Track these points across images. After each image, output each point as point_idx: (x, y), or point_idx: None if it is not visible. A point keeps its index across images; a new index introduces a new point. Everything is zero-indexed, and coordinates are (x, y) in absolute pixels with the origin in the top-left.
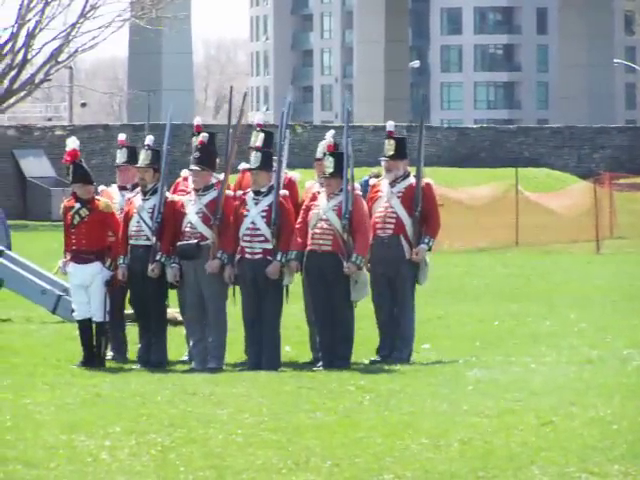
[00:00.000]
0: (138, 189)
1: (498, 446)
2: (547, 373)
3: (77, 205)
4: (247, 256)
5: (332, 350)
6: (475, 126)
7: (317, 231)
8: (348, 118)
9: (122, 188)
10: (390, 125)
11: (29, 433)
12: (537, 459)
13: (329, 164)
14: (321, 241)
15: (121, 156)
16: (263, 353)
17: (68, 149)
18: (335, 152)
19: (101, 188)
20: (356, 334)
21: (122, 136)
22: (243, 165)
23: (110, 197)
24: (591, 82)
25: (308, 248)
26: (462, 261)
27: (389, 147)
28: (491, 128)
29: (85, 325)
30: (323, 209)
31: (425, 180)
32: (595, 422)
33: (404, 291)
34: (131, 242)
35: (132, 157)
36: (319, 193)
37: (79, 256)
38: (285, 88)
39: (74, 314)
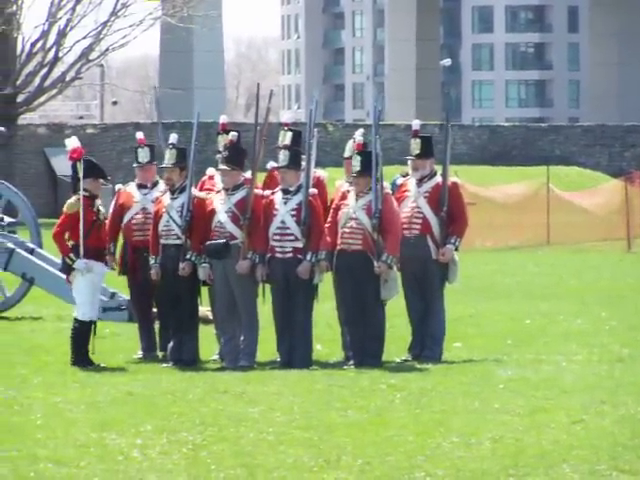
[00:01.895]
0: (158, 187)
1: (529, 444)
2: (578, 371)
3: (98, 202)
4: (277, 255)
5: (363, 348)
6: (507, 124)
7: (347, 230)
8: (377, 116)
9: (142, 186)
10: (416, 124)
11: (60, 431)
12: (568, 457)
13: (356, 163)
14: (351, 240)
15: (144, 155)
16: (294, 352)
17: (71, 147)
18: (362, 151)
19: (118, 187)
20: (387, 332)
21: (141, 134)
22: (271, 164)
23: (130, 196)
24: (622, 80)
25: (338, 247)
26: (493, 259)
27: (415, 146)
28: (522, 126)
29: (92, 326)
30: (353, 208)
31: (452, 179)
32: (626, 420)
33: (432, 291)
34: (161, 241)
35: (152, 155)
36: (349, 192)
37: (102, 254)
38: (316, 86)
39: (90, 315)
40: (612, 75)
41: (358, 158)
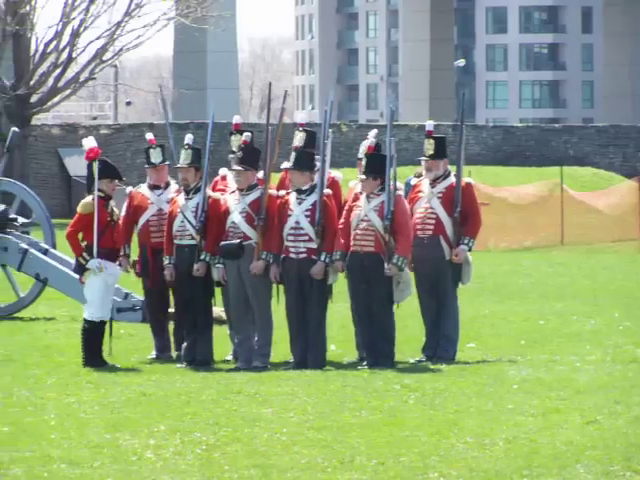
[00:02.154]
0: (170, 187)
1: (543, 445)
2: (592, 372)
3: (112, 202)
4: (292, 255)
5: (375, 349)
6: (520, 125)
7: (359, 232)
8: (391, 117)
9: (155, 187)
10: (429, 125)
11: (73, 432)
12: (582, 458)
13: (363, 165)
14: (363, 242)
15: (157, 155)
16: (309, 352)
17: (88, 147)
18: (371, 153)
19: (129, 189)
20: (401, 333)
21: (151, 135)
22: (285, 164)
23: (144, 198)
24: (636, 80)
25: (351, 249)
26: (507, 260)
27: (429, 147)
28: (536, 127)
29: (102, 326)
30: (364, 210)
31: (465, 180)
32: (639, 421)
33: (445, 291)
34: (176, 242)
35: (164, 156)
36: (361, 193)
37: (115, 255)
38: (330, 87)
39: (101, 315)
40: (626, 75)
41: (365, 160)
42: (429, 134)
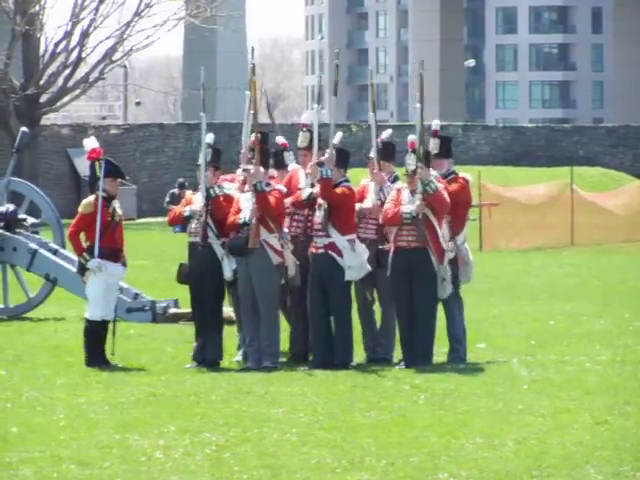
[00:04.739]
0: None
1: (553, 445)
2: (602, 372)
3: (115, 203)
4: (312, 250)
5: (415, 348)
6: (530, 125)
7: (405, 228)
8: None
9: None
10: (436, 124)
11: (83, 432)
12: (592, 458)
13: (411, 162)
14: (410, 237)
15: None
16: (337, 348)
17: (90, 147)
18: (416, 149)
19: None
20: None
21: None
22: (294, 165)
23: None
24: None
25: (396, 244)
26: (517, 260)
27: (434, 146)
28: (546, 127)
29: (105, 326)
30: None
31: (462, 175)
32: None
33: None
34: (190, 239)
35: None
36: (402, 190)
37: (117, 255)
38: (340, 87)
39: (102, 314)
40: (636, 76)
41: (413, 157)
42: (435, 133)
